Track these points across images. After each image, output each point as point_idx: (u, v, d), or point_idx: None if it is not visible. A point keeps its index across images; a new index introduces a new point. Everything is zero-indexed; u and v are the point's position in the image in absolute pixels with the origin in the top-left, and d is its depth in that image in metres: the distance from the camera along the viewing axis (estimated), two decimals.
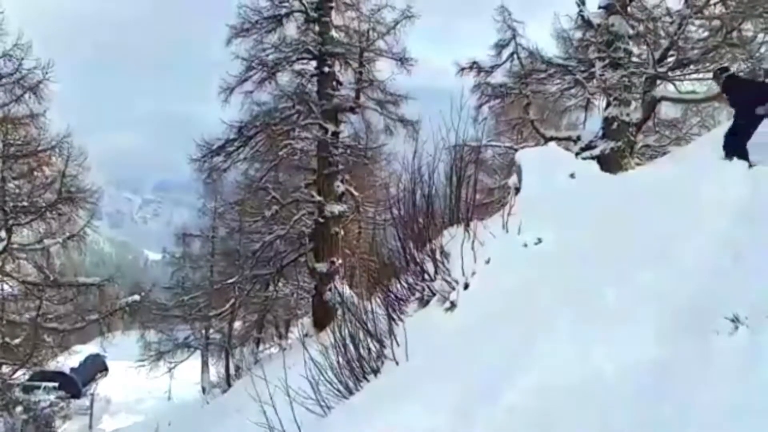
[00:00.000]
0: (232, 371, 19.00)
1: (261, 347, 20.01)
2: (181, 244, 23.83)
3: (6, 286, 12.49)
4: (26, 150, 12.22)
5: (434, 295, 5.17)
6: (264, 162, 16.39)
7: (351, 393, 4.95)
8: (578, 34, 15.12)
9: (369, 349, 5.01)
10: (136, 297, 13.05)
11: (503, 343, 4.02)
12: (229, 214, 20.43)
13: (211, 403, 17.37)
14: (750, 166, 5.64)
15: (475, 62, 15.24)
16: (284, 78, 16.11)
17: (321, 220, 15.17)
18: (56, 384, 21.79)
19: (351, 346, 5.15)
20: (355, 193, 15.74)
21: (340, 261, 14.99)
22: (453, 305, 4.86)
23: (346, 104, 15.68)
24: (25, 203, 11.95)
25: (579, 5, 13.84)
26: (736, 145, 6.13)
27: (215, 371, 21.37)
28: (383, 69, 16.15)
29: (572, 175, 6.27)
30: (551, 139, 13.25)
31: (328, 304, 14.25)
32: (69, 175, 12.00)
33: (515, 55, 15.05)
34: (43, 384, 19.93)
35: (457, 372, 3.86)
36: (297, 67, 16.06)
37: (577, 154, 11.15)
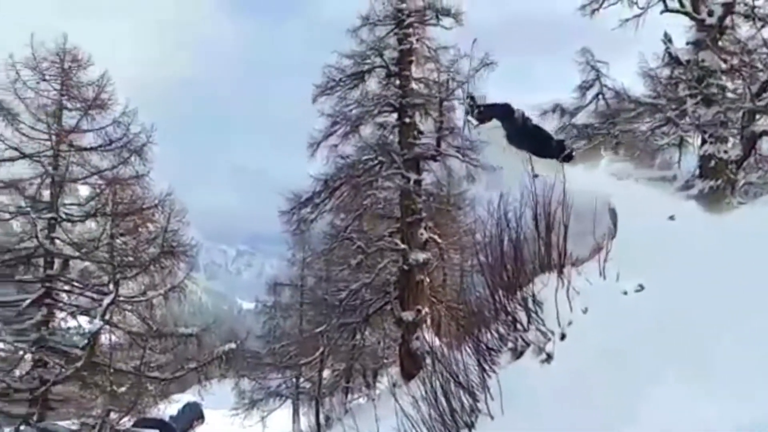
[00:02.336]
0: (322, 421, 19.02)
1: (349, 397, 19.98)
2: (272, 294, 24.60)
3: (113, 337, 13.32)
4: (132, 208, 13.19)
5: (528, 345, 4.98)
6: (349, 212, 16.78)
7: None
8: (666, 72, 14.63)
9: (462, 402, 4.87)
10: (232, 345, 13.48)
11: (605, 400, 3.79)
12: (316, 263, 20.94)
13: None
14: None
15: (558, 105, 15.07)
16: (367, 131, 16.65)
17: (406, 267, 15.21)
18: (157, 431, 22.68)
19: (442, 399, 5.03)
20: (439, 240, 15.71)
21: (426, 309, 14.87)
22: (549, 357, 4.65)
23: (427, 153, 15.88)
24: (131, 258, 12.82)
25: (666, 43, 13.41)
26: None
27: (306, 421, 21.48)
28: (463, 117, 16.29)
29: (672, 217, 5.94)
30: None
31: (416, 354, 14.09)
32: (170, 230, 12.81)
33: (600, 96, 14.76)
34: (145, 431, 20.81)
35: (558, 429, 3.67)
36: (379, 119, 16.56)
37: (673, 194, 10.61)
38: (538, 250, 5.62)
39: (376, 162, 15.94)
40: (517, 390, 4.49)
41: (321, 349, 18.94)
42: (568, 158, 8.32)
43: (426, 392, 5.20)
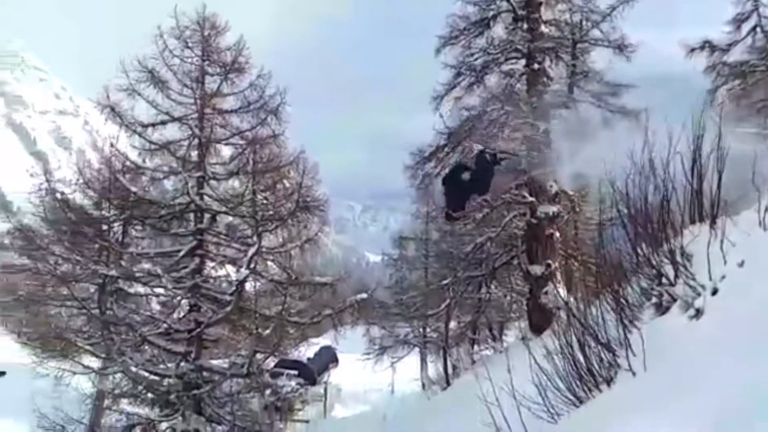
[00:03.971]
0: (450, 370, 19.45)
1: (476, 348, 20.18)
2: (397, 247, 25.23)
3: (257, 284, 14.44)
4: (270, 166, 13.99)
5: (675, 300, 4.69)
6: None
7: (581, 402, 4.73)
8: None
9: (600, 357, 4.74)
10: (363, 295, 14.11)
11: (761, 358, 3.48)
12: (440, 217, 21.02)
13: (431, 399, 18.00)
14: None
15: (707, 41, 13.58)
16: (492, 80, 16.05)
17: (534, 221, 14.79)
18: (296, 372, 24.54)
19: (579, 353, 4.92)
20: (571, 193, 15.04)
21: (556, 264, 14.45)
22: (699, 313, 4.35)
23: (558, 100, 15.08)
24: (271, 212, 13.69)
25: None
26: None
27: (434, 368, 22.09)
28: (599, 59, 15.23)
29: None
30: None
31: (545, 308, 13.81)
32: (305, 186, 13.48)
33: (758, 29, 13.05)
34: (286, 371, 22.60)
35: (711, 387, 3.44)
36: (505, 67, 15.89)
37: None
38: (687, 199, 5.21)
39: (502, 112, 15.42)
40: (661, 346, 4.27)
41: (447, 302, 19.20)
42: None
43: (561, 346, 5.12)
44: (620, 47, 14.79)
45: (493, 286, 17.74)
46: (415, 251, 24.57)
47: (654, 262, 4.97)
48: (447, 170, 8.76)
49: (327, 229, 16.03)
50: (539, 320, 13.90)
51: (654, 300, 4.98)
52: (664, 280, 4.87)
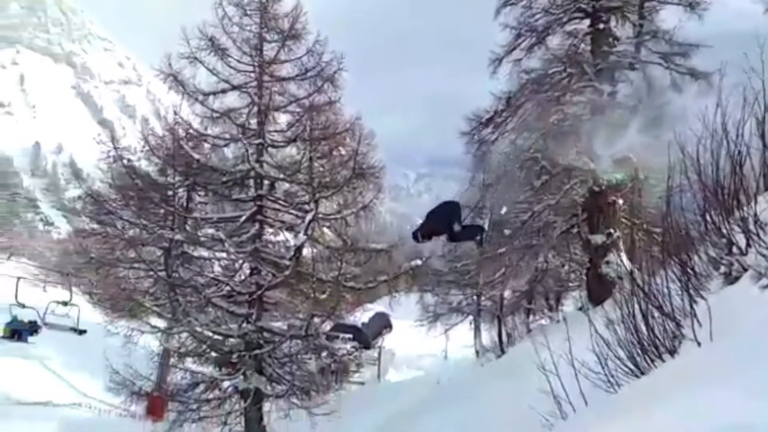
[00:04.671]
0: (504, 338, 19.41)
1: (531, 318, 20.01)
2: None
3: (314, 250, 14.71)
4: (326, 133, 14.07)
5: (746, 270, 4.48)
6: (533, 131, 16.08)
7: (642, 372, 4.64)
8: None
9: (663, 327, 4.61)
10: (418, 261, 14.13)
11: None
12: (497, 185, 20.69)
13: (485, 366, 18.07)
14: None
15: None
16: (554, 41, 15.43)
17: (596, 189, 14.35)
18: (351, 336, 25.11)
19: (641, 323, 4.81)
20: (635, 159, 14.44)
21: (618, 233, 14.02)
22: None
23: (624, 61, 14.39)
24: (327, 179, 13.83)
25: None
26: None
27: (487, 336, 22.11)
28: (668, 18, 14.39)
29: None
30: None
31: (605, 278, 13.49)
32: (360, 153, 13.50)
33: None
34: (341, 335, 23.15)
35: None
36: (568, 27, 15.23)
37: None
38: (762, 165, 4.91)
39: (564, 75, 14.88)
40: (729, 317, 4.11)
41: (502, 270, 19.03)
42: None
43: (622, 316, 5.01)
44: (691, 4, 13.91)
45: (550, 255, 17.42)
46: (470, 219, 24.37)
47: (724, 231, 4.75)
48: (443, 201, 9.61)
49: (382, 196, 16.04)
50: (598, 290, 13.59)
51: (723, 269, 4.78)
52: (734, 249, 4.65)
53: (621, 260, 12.85)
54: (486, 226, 10.33)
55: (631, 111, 14.44)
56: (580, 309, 14.63)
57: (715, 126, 5.20)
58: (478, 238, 9.70)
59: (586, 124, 14.18)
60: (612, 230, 14.16)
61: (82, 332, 17.26)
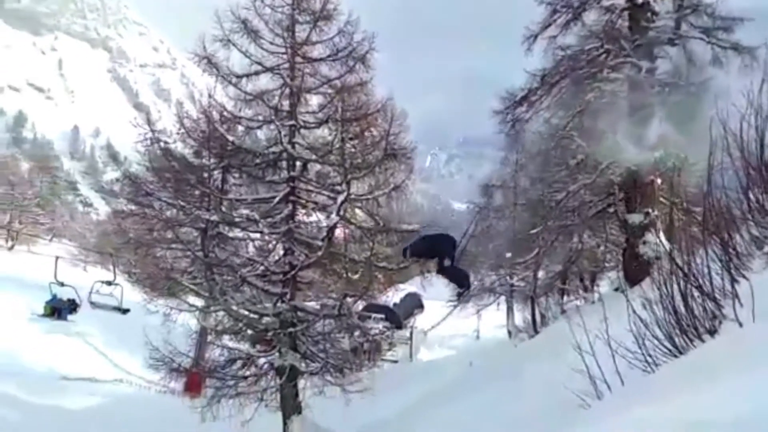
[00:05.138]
0: (538, 318, 19.32)
1: (565, 298, 19.85)
2: (484, 195, 24.94)
3: (347, 230, 14.80)
4: (358, 114, 14.02)
5: None
6: (568, 108, 15.78)
7: (681, 352, 4.58)
8: None
9: (703, 307, 4.53)
10: None
11: None
12: (531, 164, 20.46)
13: (519, 346, 18.05)
14: None
15: None
16: (591, 17, 15.02)
17: (633, 167, 14.04)
18: (383, 316, 25.32)
19: (680, 303, 4.73)
20: (675, 137, 14.06)
21: (656, 212, 13.72)
22: None
23: (663, 36, 13.95)
24: (359, 160, 13.83)
25: None
26: None
27: (520, 317, 22.04)
28: None
29: None
30: None
31: (642, 258, 13.26)
32: (392, 134, 13.41)
33: None
34: (373, 315, 23.36)
35: None
36: (605, 3, 14.78)
37: None
38: None
39: (601, 51, 14.51)
40: None
41: (536, 251, 18.87)
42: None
43: (661, 296, 4.94)
44: None
45: (586, 236, 17.19)
46: (503, 199, 24.20)
47: None
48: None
49: (413, 177, 16.00)
50: (635, 271, 13.39)
51: (766, 249, 4.67)
52: None
53: (659, 240, 12.60)
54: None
55: (670, 88, 14.06)
56: (616, 290, 14.45)
57: (760, 102, 5.05)
58: (460, 291, 10.52)
59: (624, 101, 13.86)
60: (650, 210, 13.88)
61: (125, 311, 17.84)
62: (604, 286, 18.46)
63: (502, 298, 23.53)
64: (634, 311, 4.86)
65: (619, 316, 5.24)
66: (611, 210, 15.36)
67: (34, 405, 21.25)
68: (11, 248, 48.32)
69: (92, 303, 17.67)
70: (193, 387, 15.21)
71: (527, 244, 20.16)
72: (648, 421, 3.00)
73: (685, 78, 13.79)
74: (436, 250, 10.13)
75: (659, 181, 14.25)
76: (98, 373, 25.99)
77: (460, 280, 10.75)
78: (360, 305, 16.09)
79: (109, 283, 17.57)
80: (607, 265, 18.06)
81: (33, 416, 19.74)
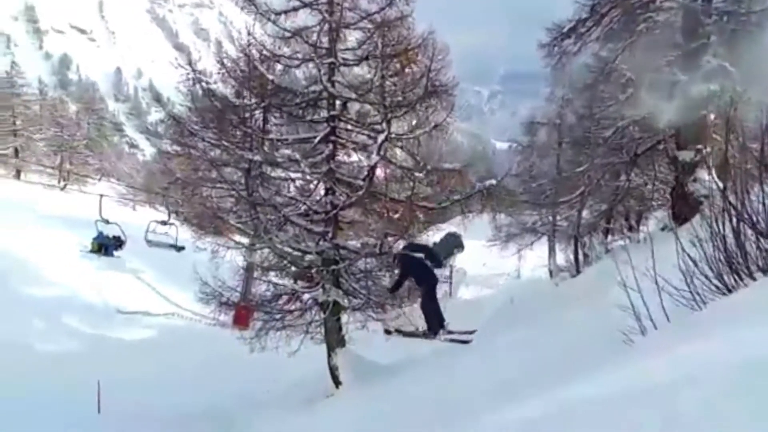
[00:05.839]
0: (581, 258, 19.18)
1: (610, 238, 19.56)
2: (527, 133, 24.38)
3: (387, 170, 14.77)
4: (398, 50, 13.67)
5: None
6: (619, 41, 15.03)
7: (730, 290, 4.50)
8: None
9: (757, 246, 4.41)
10: (492, 181, 13.91)
11: None
12: (577, 100, 19.80)
13: (560, 285, 18.03)
14: None
15: None
16: None
17: (685, 102, 13.39)
18: (423, 255, 25.48)
19: (732, 240, 4.61)
20: (732, 69, 13.29)
21: (708, 149, 13.18)
22: None
23: None
24: (399, 98, 13.61)
25: None
26: None
27: (562, 256, 21.90)
28: None
29: None
30: None
31: (691, 197, 12.86)
32: (433, 70, 13.08)
33: None
34: (414, 254, 23.53)
35: None
36: None
37: None
38: None
39: None
40: None
41: (581, 189, 18.52)
42: None
43: (711, 233, 4.82)
44: None
45: (633, 174, 16.73)
46: (547, 137, 23.63)
47: None
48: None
49: (454, 114, 15.70)
50: (683, 210, 13.02)
51: None
52: None
53: (712, 177, 12.16)
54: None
55: (728, 16, 13.22)
56: (662, 229, 14.14)
57: None
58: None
59: (678, 32, 13.09)
60: (701, 146, 13.33)
61: (180, 249, 18.52)
62: (650, 225, 18.09)
63: (544, 237, 23.34)
64: (683, 249, 4.76)
65: (666, 255, 5.15)
66: (661, 147, 14.82)
67: (95, 336, 22.65)
68: (63, 188, 50.24)
69: (149, 241, 18.37)
70: (241, 320, 15.82)
71: (572, 182, 19.79)
72: (694, 357, 2.99)
73: (746, 5, 12.90)
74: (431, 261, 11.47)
75: (713, 116, 13.59)
76: (151, 307, 27.33)
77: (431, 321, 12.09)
78: (401, 244, 16.25)
79: (164, 223, 18.18)
80: (654, 204, 17.63)
81: (95, 348, 21.10)
